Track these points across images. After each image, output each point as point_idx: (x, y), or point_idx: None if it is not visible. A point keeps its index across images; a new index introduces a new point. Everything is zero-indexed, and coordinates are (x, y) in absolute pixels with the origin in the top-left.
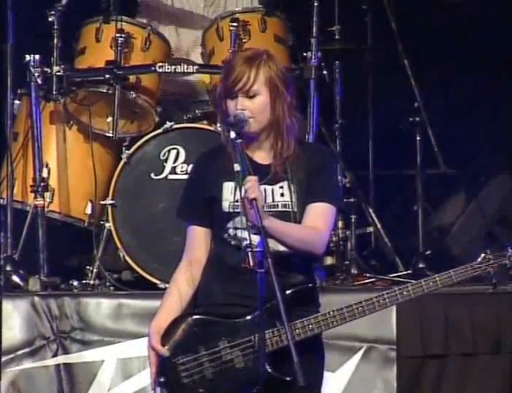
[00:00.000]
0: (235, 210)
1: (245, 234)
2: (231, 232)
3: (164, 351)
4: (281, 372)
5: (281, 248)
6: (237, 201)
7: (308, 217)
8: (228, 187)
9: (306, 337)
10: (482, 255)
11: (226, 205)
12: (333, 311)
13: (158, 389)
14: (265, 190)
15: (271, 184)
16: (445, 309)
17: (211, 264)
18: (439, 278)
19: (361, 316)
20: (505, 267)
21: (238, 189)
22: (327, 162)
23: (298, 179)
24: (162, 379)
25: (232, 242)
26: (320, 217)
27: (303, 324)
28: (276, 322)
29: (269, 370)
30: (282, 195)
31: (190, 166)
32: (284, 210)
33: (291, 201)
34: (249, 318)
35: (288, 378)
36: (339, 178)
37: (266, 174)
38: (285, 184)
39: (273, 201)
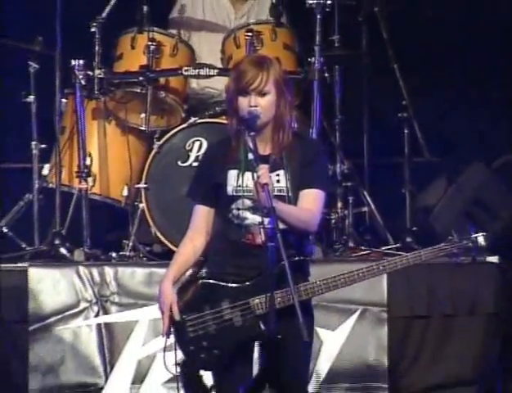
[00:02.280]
0: (238, 194)
1: (247, 214)
2: (234, 212)
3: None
4: (274, 330)
5: (281, 226)
6: (240, 186)
7: (304, 200)
8: (232, 174)
9: (308, 298)
10: (449, 237)
11: (230, 190)
12: (333, 277)
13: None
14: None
15: (270, 172)
16: (428, 277)
17: (217, 240)
18: (411, 257)
19: (351, 283)
20: (469, 248)
21: (251, 175)
22: (318, 153)
23: (292, 168)
24: (172, 330)
25: (235, 221)
26: (313, 201)
27: (306, 287)
28: (276, 286)
29: (263, 328)
30: (278, 181)
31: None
32: (279, 194)
33: (286, 187)
34: (248, 284)
35: (279, 336)
36: (329, 167)
37: (266, 163)
38: (281, 172)
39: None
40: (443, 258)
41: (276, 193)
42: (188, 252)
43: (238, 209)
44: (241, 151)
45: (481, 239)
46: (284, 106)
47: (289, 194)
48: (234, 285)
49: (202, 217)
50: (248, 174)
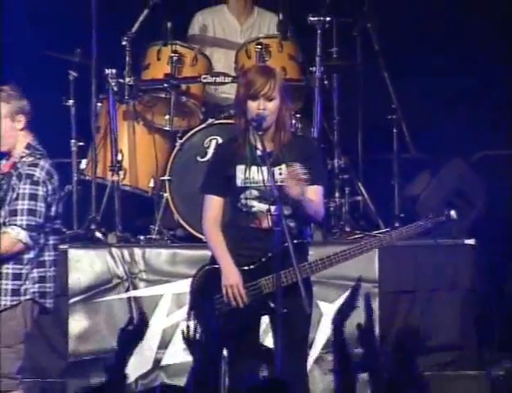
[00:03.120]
0: (246, 185)
1: (254, 203)
2: (243, 202)
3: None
4: (280, 306)
5: (286, 212)
6: (247, 179)
7: (311, 196)
8: (240, 168)
9: (308, 276)
10: (425, 216)
11: (239, 182)
12: (328, 256)
13: (191, 322)
14: (270, 170)
15: (273, 166)
16: (415, 257)
17: (228, 228)
18: (394, 234)
19: (344, 260)
20: (443, 223)
21: (257, 169)
22: (316, 151)
23: (291, 163)
24: (193, 313)
25: (244, 209)
26: (320, 196)
27: (306, 266)
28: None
29: (271, 305)
30: (280, 174)
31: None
32: (280, 184)
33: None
34: (252, 267)
35: (285, 310)
36: (328, 162)
37: (269, 158)
38: (282, 166)
39: (274, 179)
40: (427, 240)
41: (278, 183)
42: (222, 239)
43: (246, 198)
44: (247, 148)
45: (453, 213)
46: (285, 109)
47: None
48: (245, 268)
49: (215, 207)
50: (253, 168)
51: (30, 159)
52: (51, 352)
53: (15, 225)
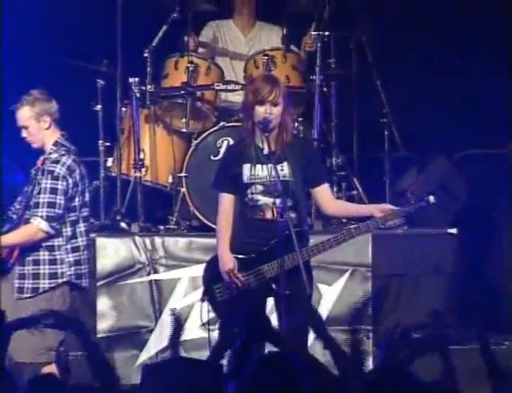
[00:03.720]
0: (252, 181)
1: (259, 197)
2: (249, 196)
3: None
4: (283, 288)
5: (289, 204)
6: (253, 175)
7: (326, 193)
8: (246, 166)
9: (308, 259)
10: (408, 202)
11: (245, 179)
12: (322, 242)
13: (204, 303)
14: (275, 167)
15: (276, 163)
16: (403, 245)
17: (237, 218)
18: (379, 219)
19: (338, 244)
20: (423, 208)
21: (261, 167)
22: (315, 152)
23: (293, 161)
24: (206, 297)
25: (250, 203)
26: (330, 191)
27: (306, 250)
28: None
29: (274, 287)
30: (282, 170)
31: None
32: (283, 179)
33: (288, 174)
34: (256, 254)
35: (288, 292)
36: (327, 160)
37: (273, 157)
38: (284, 164)
39: (276, 175)
40: (416, 229)
41: (281, 178)
42: (229, 230)
43: (252, 193)
44: (253, 148)
45: (431, 198)
46: (288, 114)
47: (291, 179)
48: (252, 255)
49: (226, 203)
50: (258, 166)
51: (55, 155)
52: (80, 331)
53: (37, 216)
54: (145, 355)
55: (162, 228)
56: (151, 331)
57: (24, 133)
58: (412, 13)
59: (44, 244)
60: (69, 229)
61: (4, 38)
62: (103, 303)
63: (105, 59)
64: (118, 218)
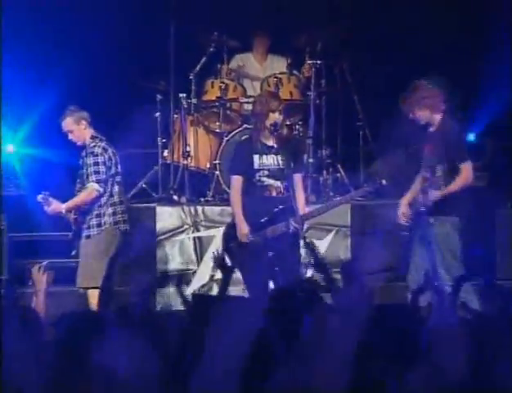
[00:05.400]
0: (260, 168)
1: (265, 179)
2: (257, 178)
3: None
4: (281, 245)
5: (284, 184)
6: (261, 163)
7: (298, 181)
8: (256, 156)
9: (305, 222)
10: (366, 184)
11: (256, 165)
12: (313, 209)
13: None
14: (276, 157)
15: (276, 155)
16: (371, 211)
17: (246, 196)
18: (352, 194)
19: (324, 211)
20: (378, 188)
21: (266, 157)
22: (304, 150)
23: (288, 154)
24: (225, 249)
25: (258, 184)
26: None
27: (301, 217)
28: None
29: (275, 244)
30: (282, 160)
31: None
32: (280, 167)
33: (282, 163)
34: (262, 220)
35: (284, 246)
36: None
37: (272, 150)
38: (280, 155)
39: (277, 163)
40: (379, 201)
41: (280, 167)
42: (240, 203)
43: (260, 176)
44: (259, 143)
45: (384, 181)
46: (284, 120)
47: (284, 167)
48: (261, 220)
49: (238, 182)
50: (264, 156)
51: (93, 144)
52: (140, 273)
53: (90, 181)
54: (190, 290)
55: (202, 199)
56: (194, 272)
57: (70, 136)
58: (381, 48)
59: (93, 205)
60: (108, 190)
61: (82, 60)
62: (161, 252)
63: (162, 80)
64: (171, 192)
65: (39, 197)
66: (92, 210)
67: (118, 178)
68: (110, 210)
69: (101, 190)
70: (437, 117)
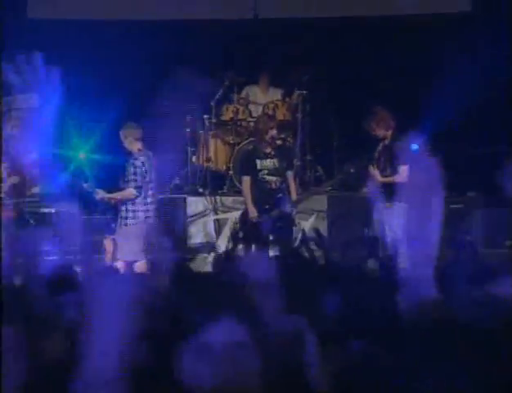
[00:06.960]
0: (262, 168)
1: (266, 176)
2: (261, 176)
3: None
4: (280, 223)
5: (280, 180)
6: (263, 165)
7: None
8: (258, 160)
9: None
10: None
11: (259, 167)
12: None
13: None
14: (273, 161)
15: (273, 159)
16: (343, 200)
17: (255, 190)
18: (328, 183)
19: (306, 199)
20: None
21: (269, 162)
22: (294, 155)
23: (282, 158)
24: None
25: (262, 180)
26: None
27: (293, 204)
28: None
29: (277, 224)
30: (278, 163)
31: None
32: (276, 168)
33: (278, 165)
34: (267, 207)
35: (281, 225)
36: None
37: (271, 157)
38: (276, 159)
39: (274, 165)
40: (350, 192)
41: (276, 166)
42: (250, 194)
43: (262, 174)
44: (260, 150)
45: (353, 170)
46: (280, 134)
47: (279, 167)
48: (266, 207)
49: (248, 181)
50: (263, 160)
51: (136, 155)
52: (179, 244)
53: (129, 186)
54: (210, 258)
55: (219, 192)
56: (214, 244)
57: (125, 145)
58: (349, 82)
59: (130, 201)
60: (142, 193)
61: (138, 90)
62: (191, 230)
63: (192, 106)
64: (197, 187)
65: (85, 185)
66: (129, 207)
67: (151, 185)
68: (144, 208)
69: (136, 194)
70: (389, 133)
